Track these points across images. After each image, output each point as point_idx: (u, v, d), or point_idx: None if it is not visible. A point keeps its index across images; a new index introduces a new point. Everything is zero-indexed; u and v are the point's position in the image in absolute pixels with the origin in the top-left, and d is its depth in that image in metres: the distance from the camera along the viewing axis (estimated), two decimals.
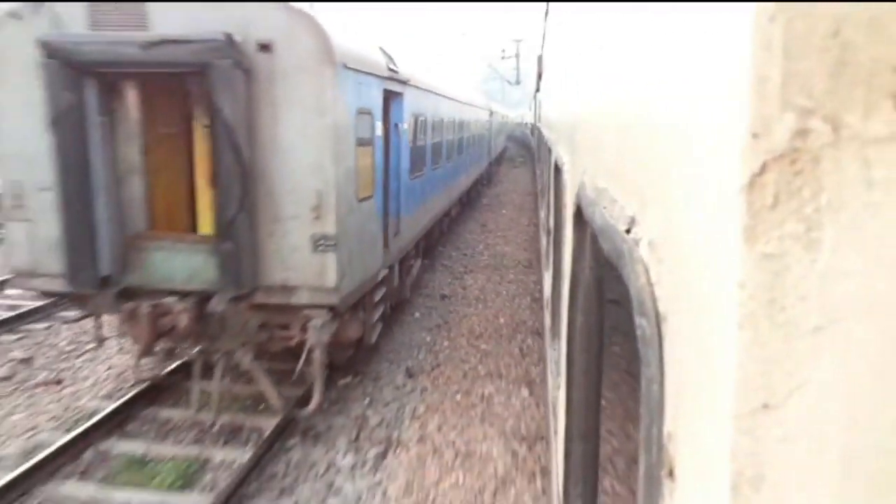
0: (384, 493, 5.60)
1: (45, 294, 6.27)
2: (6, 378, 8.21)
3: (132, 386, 7.58)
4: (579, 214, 1.64)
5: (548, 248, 5.69)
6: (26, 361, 8.71)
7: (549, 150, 5.26)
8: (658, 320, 0.73)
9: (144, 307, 5.45)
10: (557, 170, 3.45)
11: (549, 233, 5.49)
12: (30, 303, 10.69)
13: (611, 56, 1.25)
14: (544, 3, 7.74)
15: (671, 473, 0.67)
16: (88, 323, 10.09)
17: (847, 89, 0.46)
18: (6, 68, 5.42)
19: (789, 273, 0.48)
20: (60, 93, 5.18)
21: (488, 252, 15.10)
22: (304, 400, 6.68)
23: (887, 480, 0.49)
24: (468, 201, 20.47)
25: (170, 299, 5.54)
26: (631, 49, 0.99)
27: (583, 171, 1.67)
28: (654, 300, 0.75)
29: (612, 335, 7.05)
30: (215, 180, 5.28)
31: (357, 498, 5.57)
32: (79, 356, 8.92)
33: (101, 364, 8.60)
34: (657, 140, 0.78)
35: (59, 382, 8.15)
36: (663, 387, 0.69)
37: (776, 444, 0.49)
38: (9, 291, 11.67)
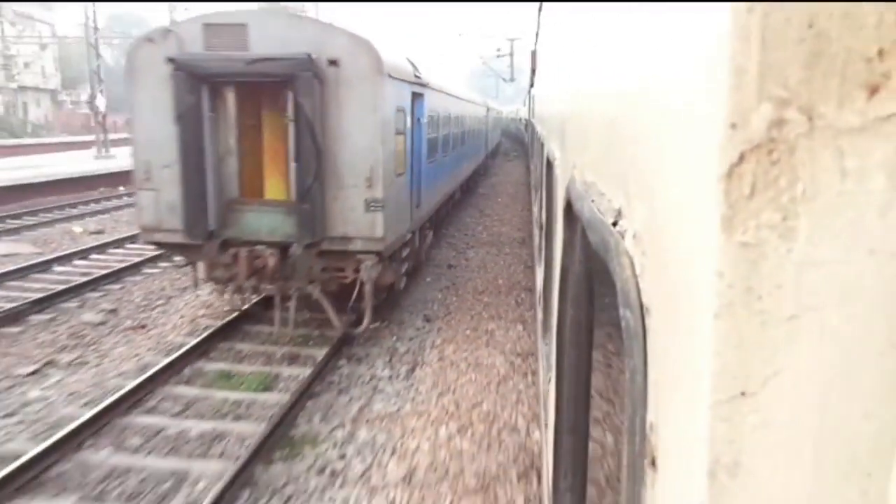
0: (416, 390, 7.62)
1: (163, 245, 8.31)
2: (101, 323, 10.17)
3: (219, 318, 9.58)
4: (569, 208, 1.64)
5: (540, 242, 5.70)
6: (113, 311, 10.68)
7: (542, 146, 5.40)
8: (642, 312, 0.72)
9: (244, 252, 7.50)
10: (549, 165, 3.47)
11: (541, 227, 5.59)
12: (109, 267, 12.70)
13: (598, 51, 1.27)
14: (537, 2, 7.90)
15: (653, 463, 0.67)
16: (155, 283, 12.09)
17: (822, 80, 0.46)
18: (142, 79, 7.44)
19: (766, 262, 0.48)
20: (184, 96, 7.20)
21: (487, 232, 17.13)
22: (357, 323, 8.74)
23: (860, 466, 0.49)
24: (468, 189, 22.45)
25: (260, 247, 7.59)
26: (616, 43, 1.00)
27: (572, 165, 1.68)
28: (638, 292, 0.74)
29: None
30: (297, 158, 7.33)
31: (396, 393, 7.59)
32: (152, 309, 10.88)
33: (173, 315, 10.56)
34: (641, 133, 0.78)
35: (143, 327, 10.12)
36: (647, 378, 0.69)
37: (753, 430, 0.50)
38: (77, 262, 13.66)
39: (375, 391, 7.67)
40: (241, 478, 5.63)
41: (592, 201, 1.16)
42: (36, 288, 11.58)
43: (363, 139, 7.36)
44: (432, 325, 9.80)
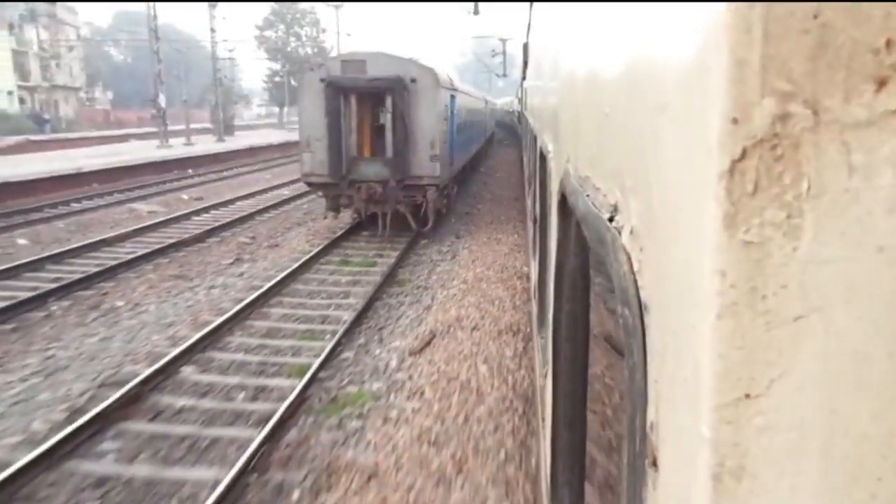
0: (458, 265, 13.67)
1: (313, 185, 14.44)
2: (250, 243, 16.18)
3: (325, 239, 15.62)
4: (564, 202, 1.62)
5: (535, 235, 5.80)
6: (253, 238, 16.68)
7: (535, 138, 5.46)
8: (641, 310, 0.71)
9: (363, 186, 13.65)
10: (542, 158, 3.47)
11: (535, 221, 5.67)
12: (233, 216, 18.72)
13: (591, 41, 1.26)
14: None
15: (654, 463, 0.66)
16: (268, 224, 18.10)
17: (827, 73, 0.44)
18: (307, 91, 13.49)
19: (770, 261, 0.47)
20: (330, 101, 13.24)
21: (490, 195, 23.15)
22: (424, 225, 14.86)
23: (868, 469, 0.48)
24: (473, 166, 28.56)
25: (372, 183, 13.72)
26: (610, 33, 0.97)
27: (566, 158, 1.64)
28: (636, 289, 0.73)
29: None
30: (393, 133, 13.45)
31: (448, 271, 13.65)
32: (278, 237, 16.86)
33: (292, 240, 16.54)
34: (636, 127, 0.76)
35: (276, 245, 16.15)
36: (647, 377, 0.68)
37: (758, 433, 0.49)
38: (209, 213, 19.67)
39: (435, 264, 13.72)
40: (376, 298, 11.48)
41: (587, 196, 1.13)
42: (199, 225, 17.57)
43: (427, 122, 13.46)
44: (461, 239, 15.87)
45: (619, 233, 0.84)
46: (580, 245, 1.44)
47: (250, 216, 18.91)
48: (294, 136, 25.85)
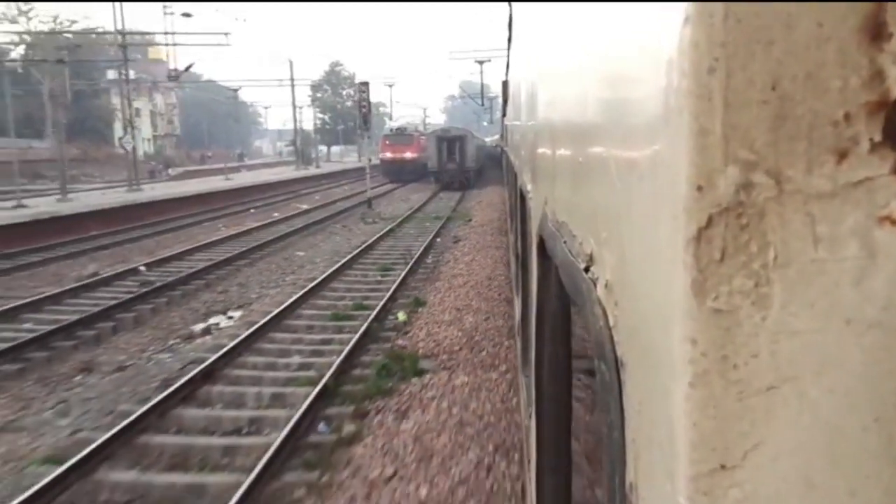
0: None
1: (431, 172, 40.01)
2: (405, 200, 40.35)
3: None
4: (542, 245, 1.60)
5: (516, 271, 5.65)
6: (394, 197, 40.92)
7: (515, 176, 5.30)
8: (617, 365, 0.70)
9: (445, 175, 38.75)
10: (522, 197, 3.47)
11: (517, 257, 5.57)
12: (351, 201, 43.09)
13: (563, 87, 1.25)
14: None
15: None
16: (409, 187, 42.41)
17: (788, 143, 0.45)
18: (431, 138, 39.09)
19: (740, 330, 0.47)
20: (435, 143, 38.52)
21: (485, 198, 47.26)
22: (468, 186, 39.61)
23: None
24: (476, 178, 52.95)
25: (450, 171, 38.77)
26: (582, 80, 0.98)
27: (544, 201, 1.64)
28: (612, 344, 0.71)
29: None
30: (459, 156, 38.76)
31: (476, 195, 37.74)
32: (419, 192, 40.94)
33: (428, 189, 40.52)
34: (609, 180, 0.74)
35: (421, 190, 40.48)
36: (624, 436, 0.67)
37: None
38: (338, 206, 44.03)
39: (472, 198, 37.86)
40: (457, 205, 35.10)
41: (564, 242, 1.11)
42: (326, 213, 41.39)
43: (471, 152, 38.56)
44: (477, 192, 40.09)
45: (595, 284, 0.82)
46: (560, 288, 1.37)
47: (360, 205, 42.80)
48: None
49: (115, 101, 77.22)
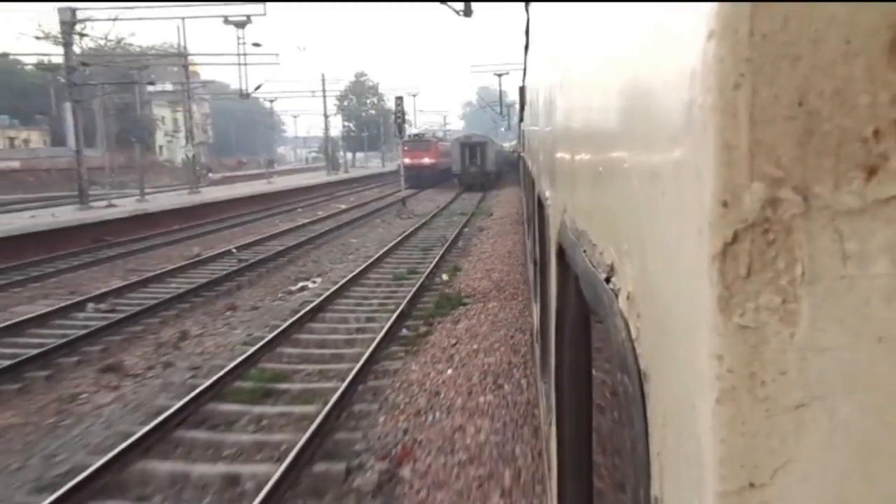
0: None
1: (454, 174, 44.40)
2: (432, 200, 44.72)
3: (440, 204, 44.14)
4: (561, 253, 1.60)
5: (535, 278, 5.65)
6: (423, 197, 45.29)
7: (532, 182, 5.36)
8: (640, 378, 0.68)
9: (467, 177, 43.36)
10: (540, 204, 3.47)
11: (535, 263, 5.54)
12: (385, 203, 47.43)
13: (582, 94, 1.25)
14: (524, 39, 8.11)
15: None
16: (433, 191, 46.75)
17: (815, 159, 0.44)
18: (455, 143, 43.68)
19: (767, 346, 0.46)
20: (459, 148, 42.74)
21: (503, 197, 51.23)
22: (488, 188, 43.94)
23: None
24: (496, 180, 57.05)
25: (473, 171, 43.27)
26: (602, 88, 0.95)
27: (563, 208, 1.62)
28: (635, 357, 0.70)
29: None
30: (481, 159, 43.16)
31: (495, 196, 41.92)
32: (445, 192, 45.23)
33: (451, 191, 44.81)
34: (630, 191, 0.73)
35: (447, 190, 44.80)
36: (648, 448, 0.66)
37: None
38: (373, 205, 48.37)
39: (492, 197, 41.96)
40: (480, 203, 39.22)
41: (584, 251, 1.10)
42: (364, 211, 45.61)
43: (491, 156, 42.78)
44: (497, 192, 44.24)
45: (616, 295, 0.80)
46: (580, 297, 1.34)
47: (388, 206, 47.15)
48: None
49: (156, 111, 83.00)
